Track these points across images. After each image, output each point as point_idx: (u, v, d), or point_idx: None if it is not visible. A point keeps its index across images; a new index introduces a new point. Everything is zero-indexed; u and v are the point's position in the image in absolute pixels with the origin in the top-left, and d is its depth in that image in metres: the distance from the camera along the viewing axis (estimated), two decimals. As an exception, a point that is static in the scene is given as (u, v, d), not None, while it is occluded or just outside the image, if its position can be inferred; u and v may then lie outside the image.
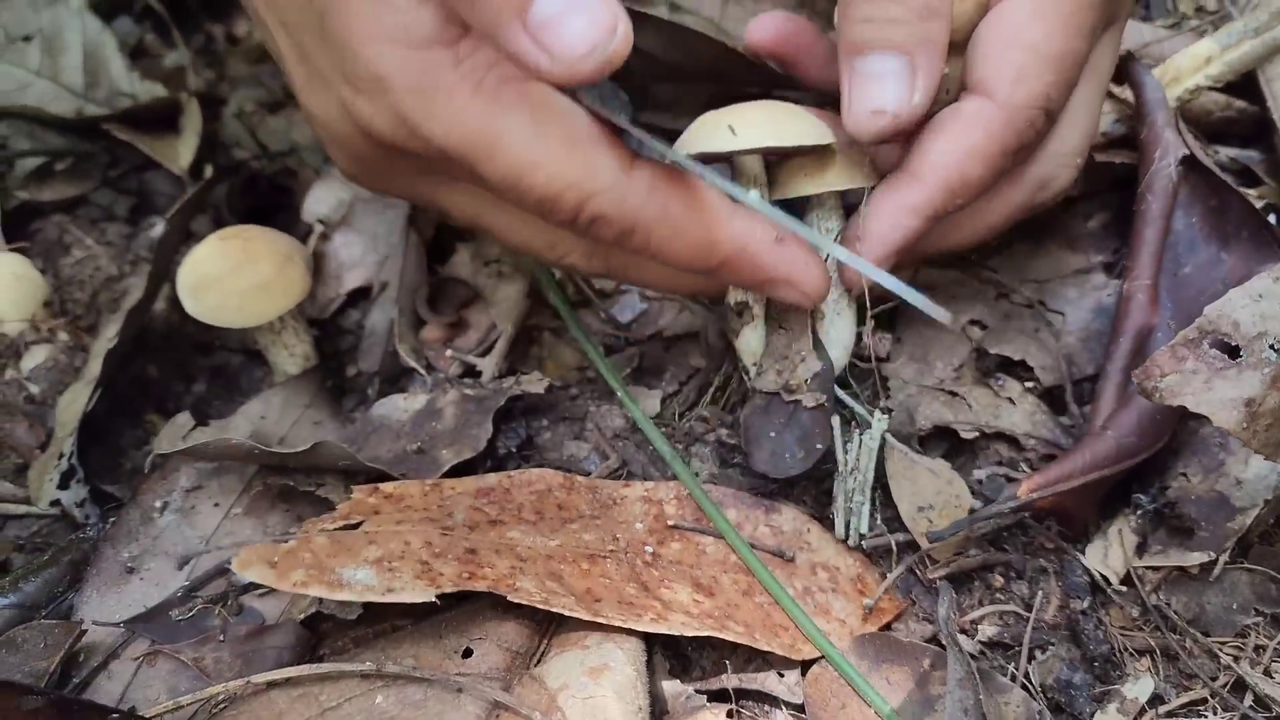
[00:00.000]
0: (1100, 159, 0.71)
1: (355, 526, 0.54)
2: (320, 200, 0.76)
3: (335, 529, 0.54)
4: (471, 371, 0.70)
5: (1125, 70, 0.72)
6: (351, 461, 0.58)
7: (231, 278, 0.63)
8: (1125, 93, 0.71)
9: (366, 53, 0.48)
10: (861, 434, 0.61)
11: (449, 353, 0.70)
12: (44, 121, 0.91)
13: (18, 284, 0.75)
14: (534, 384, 0.66)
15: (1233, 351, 0.54)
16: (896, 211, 0.57)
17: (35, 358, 0.73)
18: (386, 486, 0.58)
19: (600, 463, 0.66)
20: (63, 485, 0.62)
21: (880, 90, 0.54)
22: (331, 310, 0.73)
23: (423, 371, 0.70)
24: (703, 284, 0.59)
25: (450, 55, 0.49)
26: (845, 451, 0.61)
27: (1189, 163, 0.67)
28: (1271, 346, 0.54)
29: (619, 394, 0.66)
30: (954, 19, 0.57)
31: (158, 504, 0.60)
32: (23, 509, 0.66)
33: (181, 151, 0.86)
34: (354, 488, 0.58)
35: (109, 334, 0.71)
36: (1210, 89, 0.71)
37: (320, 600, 0.55)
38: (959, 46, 0.59)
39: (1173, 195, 0.65)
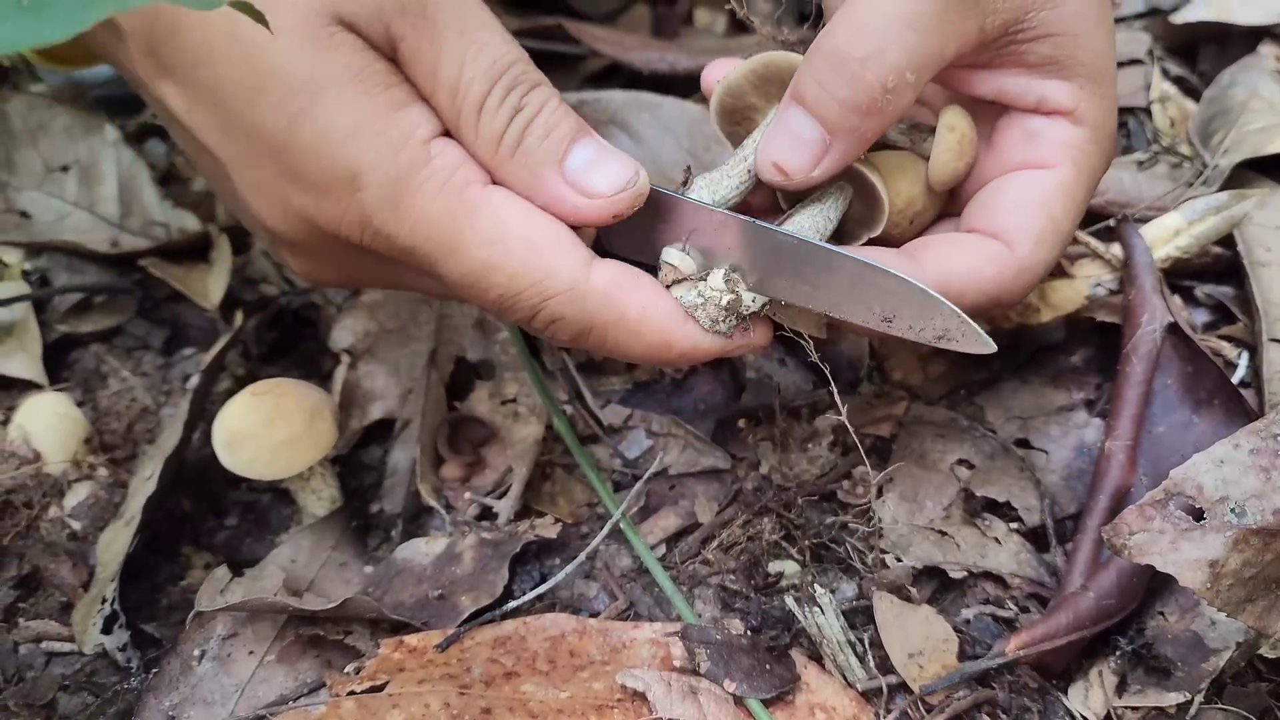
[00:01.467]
0: (1092, 317, 0.75)
1: (380, 688, 0.58)
2: (347, 330, 0.80)
3: (362, 691, 0.58)
4: (489, 513, 0.74)
5: (1118, 231, 0.76)
6: (377, 613, 0.62)
7: (264, 433, 0.67)
8: (1114, 249, 0.76)
9: (346, 150, 0.52)
10: (809, 610, 0.66)
11: (467, 494, 0.74)
12: (82, 254, 0.96)
13: (61, 423, 0.80)
14: (547, 528, 0.70)
15: (1197, 514, 0.58)
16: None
17: (77, 495, 0.77)
18: (410, 639, 0.63)
19: (609, 602, 0.70)
20: (106, 630, 0.66)
21: (790, 149, 0.58)
22: (354, 442, 0.78)
23: (443, 511, 0.74)
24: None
25: (423, 153, 0.53)
26: (807, 619, 0.66)
27: (1172, 328, 0.71)
28: (1233, 510, 0.58)
29: (616, 518, 0.70)
30: (940, 169, 0.62)
31: (196, 653, 0.64)
32: (67, 647, 0.71)
33: (212, 287, 0.91)
34: (381, 641, 0.62)
35: (146, 473, 0.76)
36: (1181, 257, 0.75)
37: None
38: (938, 193, 0.64)
39: (1155, 360, 0.70)
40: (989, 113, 0.63)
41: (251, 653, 0.64)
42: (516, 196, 0.55)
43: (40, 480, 0.77)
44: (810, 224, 0.60)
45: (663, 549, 0.72)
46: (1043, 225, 0.60)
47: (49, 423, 0.79)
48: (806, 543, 0.70)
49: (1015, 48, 0.59)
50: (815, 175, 0.58)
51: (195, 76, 0.54)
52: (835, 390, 0.77)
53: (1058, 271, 0.76)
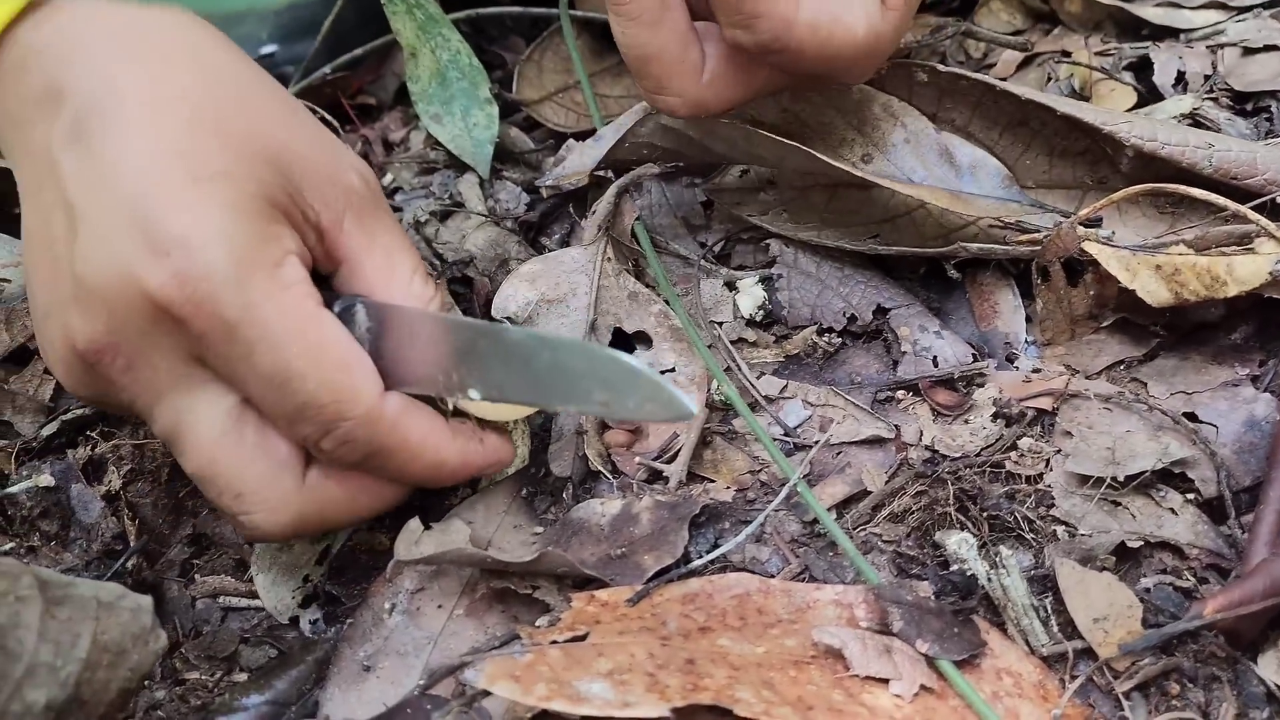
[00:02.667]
0: (1258, 293, 0.74)
1: (581, 637, 0.59)
2: (509, 299, 0.81)
3: (565, 640, 0.58)
4: (656, 477, 0.74)
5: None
6: (569, 568, 0.63)
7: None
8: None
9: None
10: (994, 574, 0.65)
11: (636, 459, 0.75)
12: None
13: None
14: (720, 492, 0.70)
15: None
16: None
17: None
18: (601, 594, 0.63)
19: (782, 565, 0.70)
20: (304, 605, 0.68)
21: None
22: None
23: (609, 475, 0.75)
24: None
25: (281, 253, 0.58)
26: (991, 582, 0.65)
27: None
28: None
29: (805, 499, 0.70)
30: None
31: (387, 605, 0.65)
32: (244, 602, 0.72)
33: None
34: (571, 596, 0.62)
35: None
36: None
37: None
38: None
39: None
40: None
41: (440, 606, 0.65)
42: (335, 323, 0.59)
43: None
44: None
45: (833, 515, 0.72)
46: None
47: None
48: (981, 512, 0.70)
49: None
50: None
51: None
52: (994, 364, 0.77)
53: (1242, 249, 0.75)
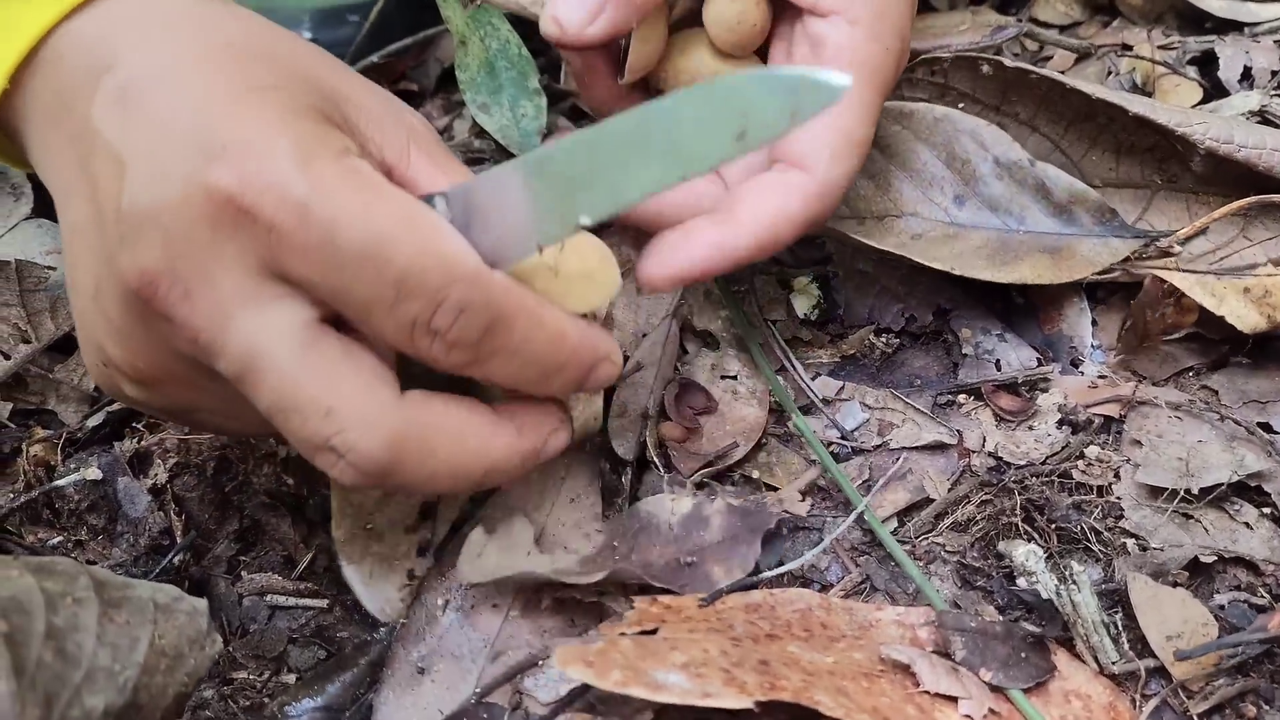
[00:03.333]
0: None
1: (651, 632, 0.57)
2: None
3: (635, 634, 0.57)
4: (714, 477, 0.73)
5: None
6: (640, 581, 0.61)
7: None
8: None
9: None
10: (1064, 589, 0.63)
11: (691, 460, 0.73)
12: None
13: None
14: (795, 504, 0.69)
15: None
16: (708, 245, 0.63)
17: (290, 450, 0.77)
18: (665, 599, 0.61)
19: (842, 574, 0.68)
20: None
21: (567, 5, 0.63)
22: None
23: (660, 467, 0.73)
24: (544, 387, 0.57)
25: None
26: (1061, 598, 0.63)
27: None
28: None
29: (860, 509, 0.68)
30: (729, 26, 0.66)
31: (440, 601, 0.63)
32: (292, 601, 0.70)
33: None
34: (636, 599, 0.61)
35: None
36: None
37: (597, 707, 0.58)
38: (742, 54, 0.69)
39: None
40: (785, 31, 0.68)
41: (495, 606, 0.63)
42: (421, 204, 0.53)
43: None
44: None
45: (894, 523, 0.70)
46: (836, 140, 0.63)
47: None
48: (1048, 523, 0.68)
49: None
50: (590, 33, 0.61)
51: None
52: (1059, 368, 0.75)
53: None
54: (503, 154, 1.00)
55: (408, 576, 0.65)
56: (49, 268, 0.85)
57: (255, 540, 0.74)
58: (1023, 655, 0.62)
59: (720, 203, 0.66)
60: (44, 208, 0.94)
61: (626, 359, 0.77)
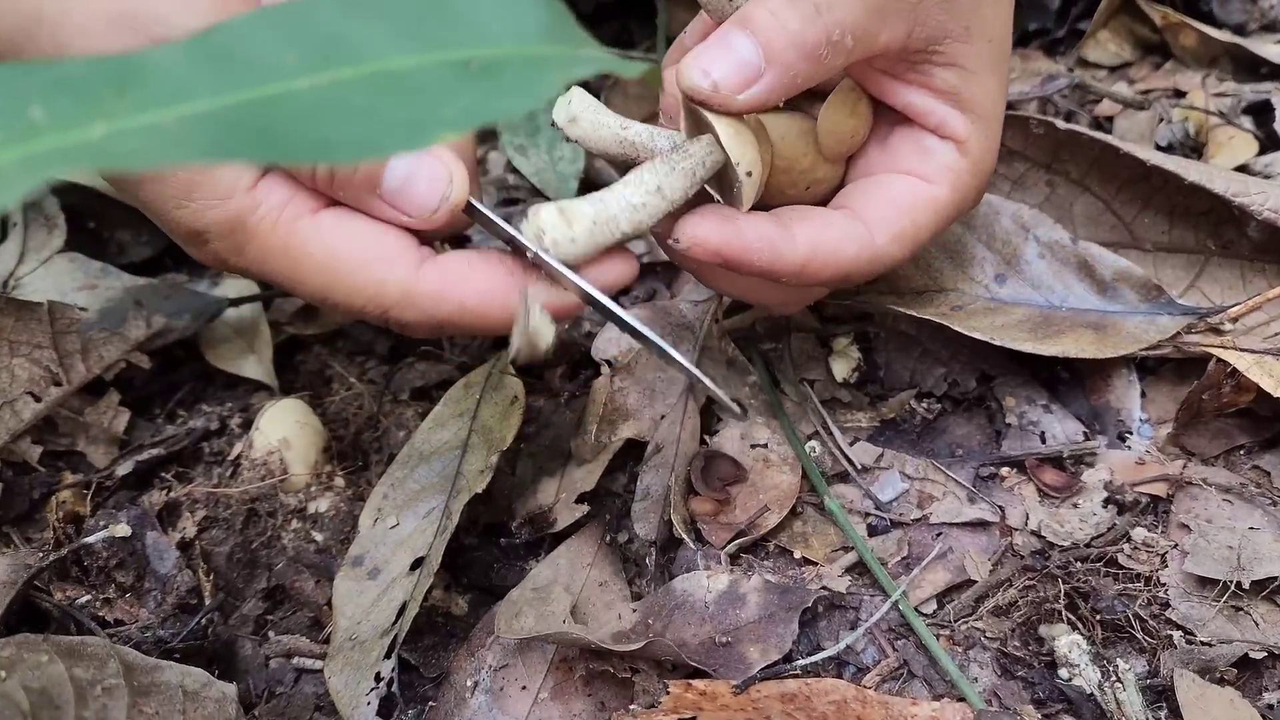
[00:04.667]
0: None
1: (684, 728, 0.56)
2: (611, 343, 0.78)
3: (666, 734, 0.56)
4: (748, 548, 0.71)
5: None
6: (676, 658, 0.60)
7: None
8: None
9: (184, 213, 0.56)
10: (1108, 686, 0.62)
11: (722, 532, 0.72)
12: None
13: (302, 431, 0.79)
14: (834, 580, 0.67)
15: None
16: (762, 238, 0.62)
17: (318, 506, 0.77)
18: (699, 684, 0.60)
19: (879, 658, 0.66)
20: (383, 713, 0.63)
21: (725, 64, 0.58)
22: (602, 459, 0.75)
23: (692, 544, 0.72)
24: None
25: (250, 199, 0.56)
26: (1104, 694, 0.62)
27: None
28: None
29: (895, 599, 0.67)
30: (832, 127, 0.65)
31: (469, 683, 0.62)
32: (318, 665, 0.70)
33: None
34: (669, 683, 0.60)
35: (429, 510, 0.73)
36: None
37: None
38: (837, 160, 0.68)
39: None
40: (890, 120, 0.67)
41: (524, 688, 0.62)
42: (348, 213, 0.58)
43: (284, 490, 0.77)
44: (678, 177, 0.59)
45: (933, 604, 0.69)
46: (904, 226, 0.65)
47: (291, 431, 0.78)
48: (1092, 612, 0.66)
49: (926, 68, 0.63)
50: (740, 100, 0.58)
51: None
52: (1105, 441, 0.73)
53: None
54: (537, 195, 0.99)
55: (374, 679, 0.64)
56: (82, 308, 0.84)
57: (283, 598, 0.73)
58: (1064, 756, 0.60)
59: (781, 215, 0.65)
60: (77, 241, 0.94)
61: (646, 443, 0.76)
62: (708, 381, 0.62)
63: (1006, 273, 0.78)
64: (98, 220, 0.99)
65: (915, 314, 0.76)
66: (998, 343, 0.74)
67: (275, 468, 0.76)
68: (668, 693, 0.60)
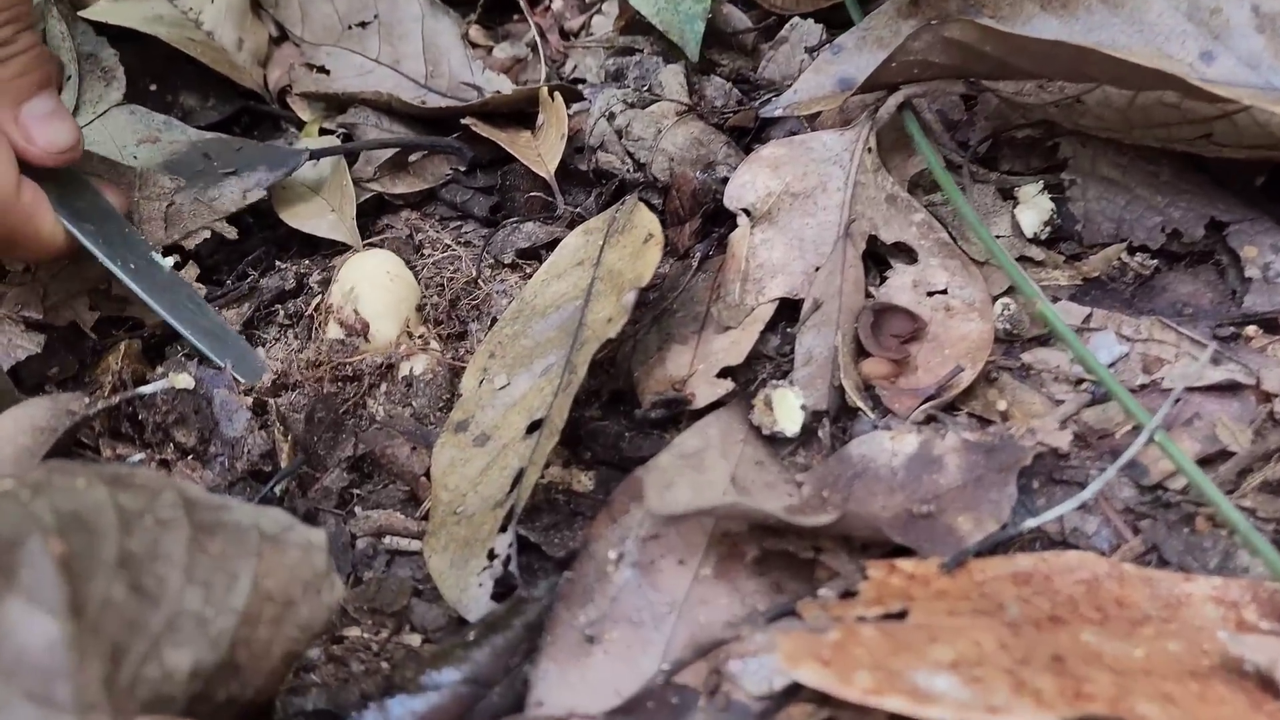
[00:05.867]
0: None
1: (897, 616, 0.43)
2: (745, 188, 0.65)
3: (876, 618, 0.43)
4: (936, 416, 0.58)
5: None
6: (873, 533, 0.47)
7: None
8: None
9: None
10: None
11: (906, 399, 0.58)
12: (391, 111, 0.84)
13: (393, 286, 0.67)
14: (1053, 435, 0.54)
15: None
16: None
17: (413, 368, 0.65)
18: (905, 564, 0.47)
19: (1116, 541, 0.53)
20: (497, 596, 0.51)
21: None
22: (752, 325, 0.63)
23: (869, 413, 0.59)
24: None
25: None
26: None
27: None
28: None
29: (1150, 432, 0.53)
30: None
31: (612, 555, 0.50)
32: (416, 545, 0.58)
33: (546, 152, 0.77)
34: (868, 563, 0.47)
35: (546, 366, 0.60)
36: None
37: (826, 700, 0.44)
38: None
39: None
40: None
41: (681, 562, 0.49)
42: None
43: (372, 350, 0.65)
44: None
45: (1180, 479, 0.55)
46: None
47: (379, 284, 0.67)
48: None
49: None
50: None
51: None
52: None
53: None
54: (655, 49, 0.86)
55: (488, 557, 0.52)
56: (175, 177, 0.73)
57: (372, 469, 0.61)
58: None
59: None
60: (135, 93, 0.83)
61: (800, 301, 0.63)
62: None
63: (1213, 48, 0.63)
64: (159, 81, 0.88)
65: (1123, 138, 0.61)
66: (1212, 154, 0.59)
67: (359, 324, 0.64)
68: (865, 577, 0.47)
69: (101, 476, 0.40)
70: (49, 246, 0.65)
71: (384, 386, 0.63)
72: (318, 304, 0.67)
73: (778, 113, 0.73)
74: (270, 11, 0.93)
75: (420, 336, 0.67)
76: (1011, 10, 0.63)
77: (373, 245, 0.75)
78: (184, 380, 0.58)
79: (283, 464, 0.59)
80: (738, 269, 0.66)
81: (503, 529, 0.52)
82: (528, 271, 0.72)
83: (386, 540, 0.58)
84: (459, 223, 0.79)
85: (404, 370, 0.64)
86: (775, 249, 0.65)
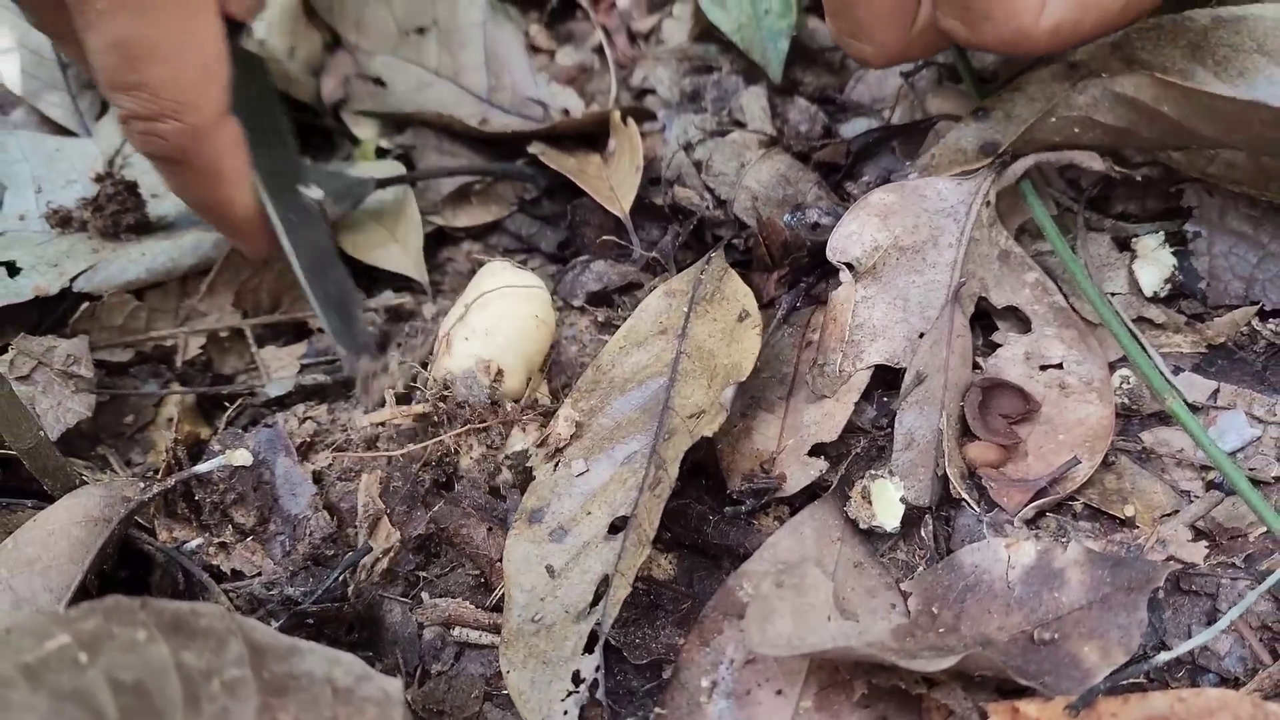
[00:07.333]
0: None
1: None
2: (851, 239, 0.60)
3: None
4: (1050, 509, 0.53)
5: None
6: (998, 673, 0.43)
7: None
8: None
9: None
10: None
11: (1016, 492, 0.54)
12: (451, 132, 0.79)
13: (536, 334, 0.62)
14: (1186, 549, 0.49)
15: None
16: None
17: (524, 439, 0.59)
18: (1028, 708, 0.43)
19: (1252, 664, 0.48)
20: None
21: None
22: (848, 397, 0.58)
23: (974, 505, 0.54)
24: None
25: None
26: None
27: None
28: None
29: None
30: None
31: (705, 683, 0.46)
32: (486, 639, 0.54)
33: (619, 185, 0.72)
34: (989, 707, 0.42)
35: (628, 453, 0.56)
36: None
37: None
38: None
39: None
40: None
41: (780, 693, 0.45)
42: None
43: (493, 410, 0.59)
44: None
45: (1325, 595, 0.50)
46: None
47: (524, 330, 0.61)
48: None
49: None
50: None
51: None
52: None
53: None
54: (734, 64, 0.80)
55: (573, 681, 0.48)
56: None
57: (440, 549, 0.58)
58: None
59: None
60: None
61: (899, 369, 0.58)
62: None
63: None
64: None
65: (1258, 194, 0.55)
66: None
67: (490, 371, 0.60)
68: (977, 713, 0.43)
69: (162, 624, 0.37)
70: (242, 203, 0.61)
71: (476, 449, 0.59)
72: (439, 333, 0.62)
73: (912, 177, 0.66)
74: (324, 16, 0.88)
75: (540, 399, 0.61)
76: (1181, 76, 0.56)
77: (434, 282, 0.71)
78: (242, 457, 0.55)
79: (350, 543, 0.55)
80: (840, 335, 0.60)
81: (588, 649, 0.48)
82: (598, 319, 0.67)
83: (455, 631, 0.54)
84: (524, 256, 0.74)
85: (515, 442, 0.59)
86: (876, 308, 0.60)
